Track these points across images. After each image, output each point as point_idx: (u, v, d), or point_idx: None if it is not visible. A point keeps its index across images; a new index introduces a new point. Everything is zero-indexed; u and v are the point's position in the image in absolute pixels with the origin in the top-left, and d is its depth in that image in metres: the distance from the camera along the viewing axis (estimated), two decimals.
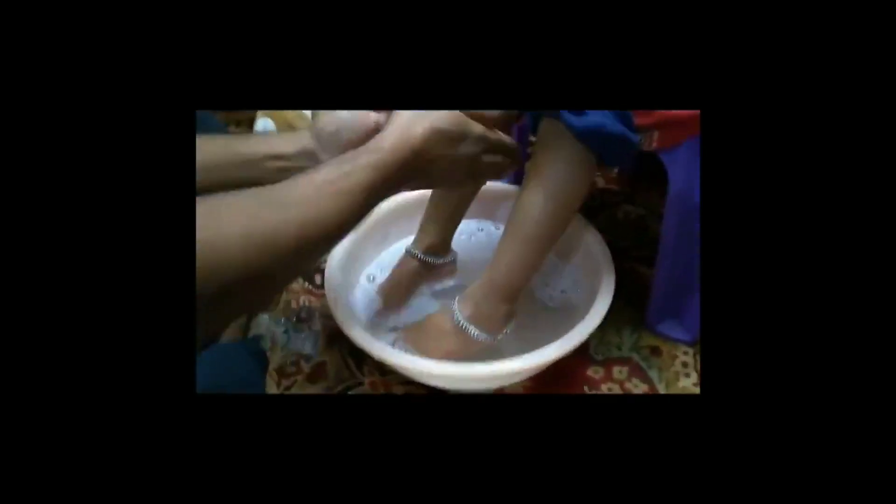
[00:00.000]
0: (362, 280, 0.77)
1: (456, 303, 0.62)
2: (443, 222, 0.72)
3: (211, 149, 0.52)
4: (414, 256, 0.73)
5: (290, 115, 1.07)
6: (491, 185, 0.69)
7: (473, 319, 0.61)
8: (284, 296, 0.84)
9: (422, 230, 0.73)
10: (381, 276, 0.77)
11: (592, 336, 0.62)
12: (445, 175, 0.51)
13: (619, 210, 0.96)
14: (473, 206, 0.73)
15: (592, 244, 0.72)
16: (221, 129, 0.74)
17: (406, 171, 0.46)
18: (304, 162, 0.53)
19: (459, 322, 0.61)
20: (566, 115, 0.53)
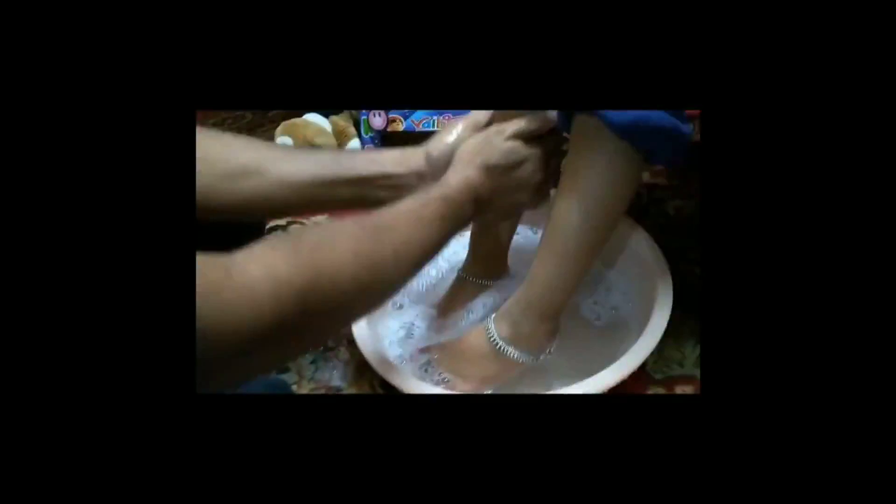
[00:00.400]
0: (389, 307, 0.72)
1: (492, 322, 0.56)
2: (491, 244, 0.65)
3: (323, 163, 0.55)
4: (467, 280, 0.67)
5: (309, 132, 1.03)
6: None
7: (513, 340, 0.55)
8: None
9: (473, 253, 0.66)
10: (407, 303, 0.71)
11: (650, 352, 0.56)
12: (511, 201, 0.54)
13: (668, 206, 0.87)
14: None
15: (642, 248, 0.64)
16: None
17: (472, 203, 0.50)
18: (414, 181, 0.55)
19: (497, 343, 0.55)
20: (606, 112, 0.46)
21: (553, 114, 0.54)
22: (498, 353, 0.56)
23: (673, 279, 0.60)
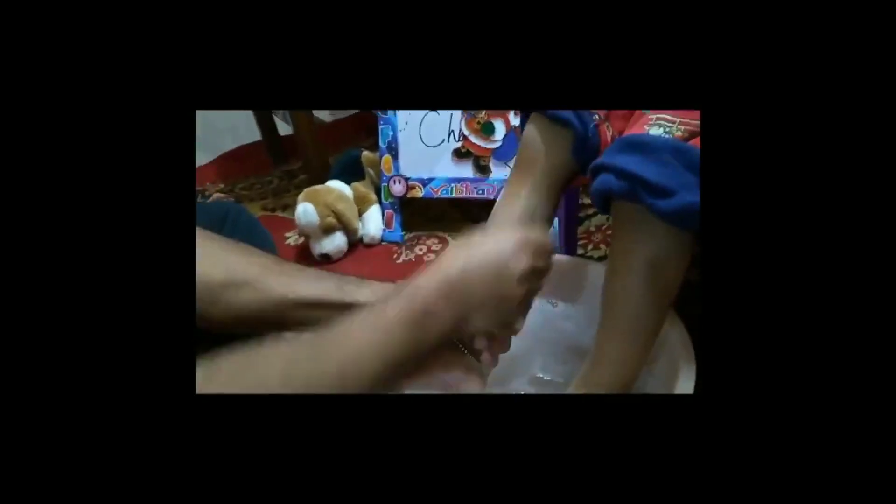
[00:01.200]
0: None
1: None
2: None
3: (326, 286, 0.53)
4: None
5: (331, 198, 1.05)
6: None
7: None
8: None
9: None
10: None
11: None
12: (487, 315, 0.46)
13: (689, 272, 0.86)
14: None
15: (675, 343, 0.61)
16: (252, 222, 0.72)
17: (448, 311, 0.43)
18: None
19: None
20: (649, 199, 0.45)
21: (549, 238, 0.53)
22: None
23: (694, 349, 0.58)
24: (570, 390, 0.55)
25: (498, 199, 0.62)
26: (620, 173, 0.47)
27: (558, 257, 0.76)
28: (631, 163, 0.47)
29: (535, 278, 0.47)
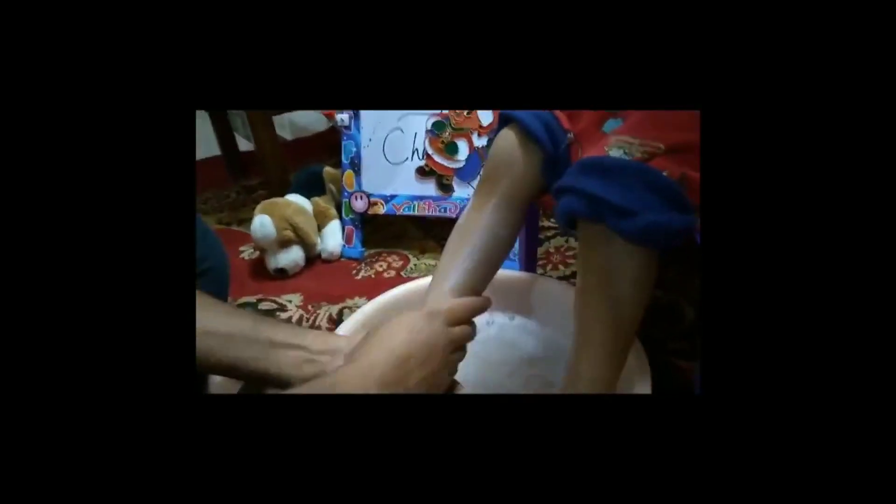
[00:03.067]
0: None
1: None
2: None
3: (243, 322, 0.52)
4: None
5: (289, 211, 1.03)
6: (501, 273, 0.61)
7: None
8: None
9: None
10: None
11: None
12: (424, 386, 0.47)
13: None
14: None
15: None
16: (203, 230, 0.69)
17: (393, 382, 0.45)
18: (328, 359, 0.52)
19: None
20: (613, 220, 0.46)
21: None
22: None
23: (653, 371, 0.58)
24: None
25: (462, 213, 0.61)
26: (584, 195, 0.48)
27: (515, 274, 0.76)
28: (594, 185, 0.47)
29: (460, 350, 0.51)
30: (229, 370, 0.50)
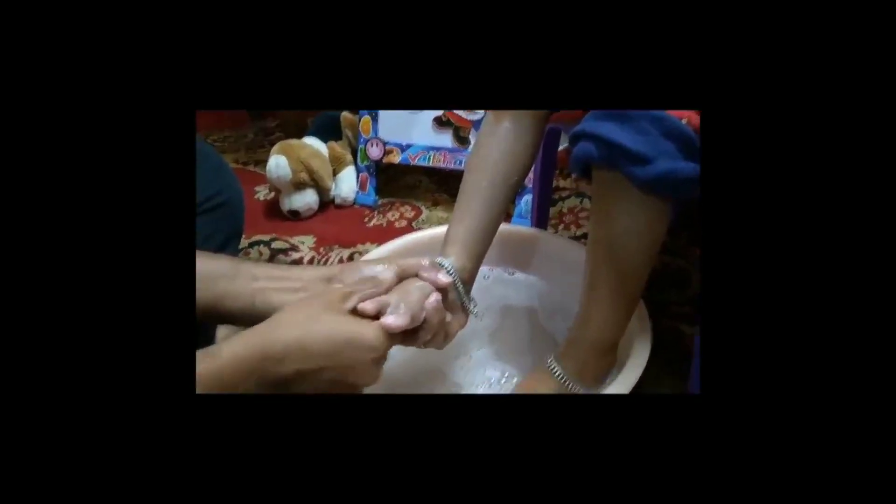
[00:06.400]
0: None
1: (555, 361, 0.57)
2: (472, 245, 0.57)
3: (221, 264, 0.51)
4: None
5: (304, 153, 1.03)
6: (505, 227, 0.61)
7: (579, 376, 0.56)
8: None
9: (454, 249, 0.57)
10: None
11: None
12: (313, 392, 0.45)
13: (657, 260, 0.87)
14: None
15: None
16: (219, 163, 0.69)
17: (254, 375, 0.42)
18: (317, 285, 0.50)
19: (564, 380, 0.56)
20: (628, 167, 0.46)
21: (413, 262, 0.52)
22: (563, 389, 0.56)
23: (655, 333, 0.59)
24: (563, 349, 0.57)
25: (477, 136, 0.60)
26: (600, 141, 0.47)
27: (520, 229, 0.76)
28: (610, 131, 0.47)
29: (383, 358, 0.47)
30: (213, 310, 0.49)
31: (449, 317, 0.52)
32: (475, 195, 0.56)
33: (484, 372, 0.63)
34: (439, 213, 1.06)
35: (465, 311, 0.54)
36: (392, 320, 0.45)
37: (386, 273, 0.50)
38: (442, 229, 0.73)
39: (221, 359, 0.41)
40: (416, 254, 0.57)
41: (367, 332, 0.44)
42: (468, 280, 0.55)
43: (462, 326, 0.54)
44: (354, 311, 0.46)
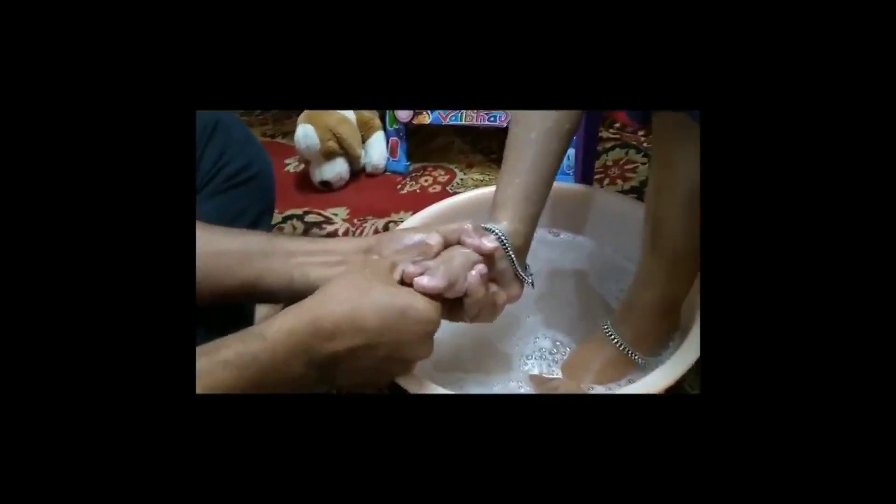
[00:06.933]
0: None
1: (611, 327, 0.54)
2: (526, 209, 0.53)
3: (252, 241, 0.49)
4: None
5: (332, 120, 0.99)
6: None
7: (636, 342, 0.53)
8: None
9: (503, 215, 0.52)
10: None
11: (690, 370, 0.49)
12: (362, 373, 0.44)
13: None
14: None
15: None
16: (247, 135, 0.66)
17: (301, 364, 0.41)
18: (356, 257, 0.48)
19: (622, 346, 0.53)
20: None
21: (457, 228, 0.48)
22: (622, 356, 0.53)
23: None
24: (620, 314, 0.54)
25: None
26: None
27: (565, 185, 0.71)
28: None
29: (430, 338, 0.45)
30: (251, 288, 0.48)
31: (494, 288, 0.48)
32: (524, 149, 0.50)
33: (535, 342, 0.59)
34: (474, 174, 1.01)
35: (520, 282, 0.50)
36: (427, 281, 0.42)
37: (431, 239, 0.47)
38: (479, 192, 0.69)
39: (271, 338, 0.40)
40: (452, 220, 0.53)
41: (421, 303, 0.42)
42: (523, 246, 0.50)
43: (514, 299, 0.50)
44: (402, 283, 0.44)
